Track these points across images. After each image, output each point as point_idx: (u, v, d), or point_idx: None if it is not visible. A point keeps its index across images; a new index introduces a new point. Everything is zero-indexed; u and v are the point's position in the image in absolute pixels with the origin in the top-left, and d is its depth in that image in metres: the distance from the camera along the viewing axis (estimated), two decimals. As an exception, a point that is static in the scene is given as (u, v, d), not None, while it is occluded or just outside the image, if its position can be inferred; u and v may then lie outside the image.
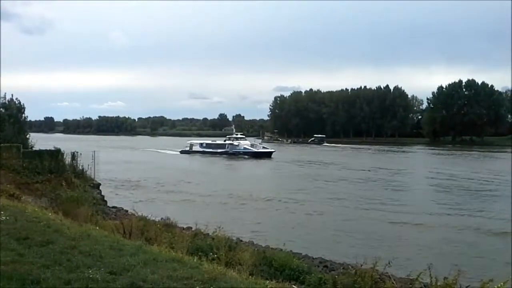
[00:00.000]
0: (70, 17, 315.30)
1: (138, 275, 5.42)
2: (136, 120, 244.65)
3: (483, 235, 21.87)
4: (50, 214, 11.14)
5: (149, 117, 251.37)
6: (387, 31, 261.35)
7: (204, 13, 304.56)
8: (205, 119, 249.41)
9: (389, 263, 9.44)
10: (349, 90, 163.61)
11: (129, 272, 5.55)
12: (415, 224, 23.99)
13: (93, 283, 5.06)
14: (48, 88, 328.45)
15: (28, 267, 5.53)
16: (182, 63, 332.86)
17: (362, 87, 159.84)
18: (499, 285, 7.48)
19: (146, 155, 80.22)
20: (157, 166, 57.16)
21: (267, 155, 76.61)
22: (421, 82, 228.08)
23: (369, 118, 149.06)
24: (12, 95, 30.68)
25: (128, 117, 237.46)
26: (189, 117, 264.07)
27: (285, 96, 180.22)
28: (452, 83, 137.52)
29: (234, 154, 77.36)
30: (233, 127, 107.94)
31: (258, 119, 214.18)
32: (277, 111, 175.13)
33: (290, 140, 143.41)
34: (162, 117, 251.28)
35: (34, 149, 26.20)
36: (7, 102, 30.12)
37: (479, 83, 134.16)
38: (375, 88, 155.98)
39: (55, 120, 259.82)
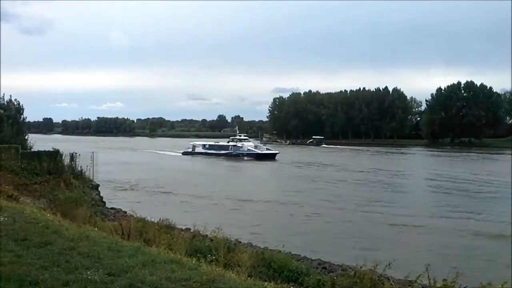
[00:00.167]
0: (70, 17, 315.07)
1: (137, 276, 5.41)
2: (135, 121, 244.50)
3: (482, 238, 21.84)
4: (48, 215, 11.11)
5: (148, 118, 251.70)
6: (386, 32, 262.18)
7: (204, 13, 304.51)
8: (204, 120, 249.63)
9: (389, 265, 9.41)
10: (348, 91, 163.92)
11: (127, 273, 5.54)
12: (414, 226, 24.00)
13: (91, 285, 5.05)
14: (47, 88, 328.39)
15: (26, 268, 5.51)
16: (181, 63, 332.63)
17: (361, 89, 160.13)
18: (499, 286, 7.48)
19: (145, 156, 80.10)
20: (157, 167, 57.12)
21: (271, 156, 75.04)
22: (420, 84, 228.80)
23: (368, 120, 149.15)
24: (10, 95, 30.72)
25: (127, 118, 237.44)
26: (188, 118, 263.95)
27: (284, 97, 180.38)
28: (450, 85, 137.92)
29: (238, 156, 76.48)
30: (236, 128, 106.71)
31: (257, 120, 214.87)
32: (276, 112, 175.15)
33: (288, 141, 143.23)
34: (161, 118, 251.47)
35: (32, 150, 26.13)
36: (5, 103, 30.08)
37: (478, 84, 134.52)
38: (374, 90, 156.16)
39: (54, 121, 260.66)
